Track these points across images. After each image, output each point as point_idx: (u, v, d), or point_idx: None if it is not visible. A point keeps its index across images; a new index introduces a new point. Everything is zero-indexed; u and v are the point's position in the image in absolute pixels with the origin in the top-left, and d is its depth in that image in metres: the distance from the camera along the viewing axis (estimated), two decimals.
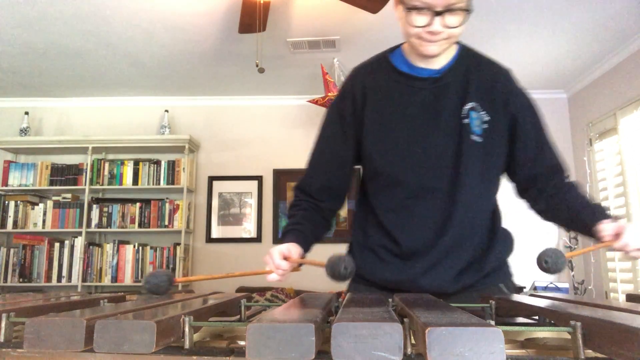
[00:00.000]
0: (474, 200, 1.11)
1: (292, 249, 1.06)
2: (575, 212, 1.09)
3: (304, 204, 1.21)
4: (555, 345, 0.71)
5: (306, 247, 1.12)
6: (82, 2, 2.89)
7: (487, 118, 1.11)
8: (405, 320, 0.59)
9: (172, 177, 4.18)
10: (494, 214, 1.19)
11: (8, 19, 3.07)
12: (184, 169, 4.17)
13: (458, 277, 1.11)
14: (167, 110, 4.42)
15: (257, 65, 3.02)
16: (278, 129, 4.40)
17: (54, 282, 4.02)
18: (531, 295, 1.00)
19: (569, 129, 4.35)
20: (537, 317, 0.82)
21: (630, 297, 1.08)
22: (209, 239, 4.32)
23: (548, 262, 0.92)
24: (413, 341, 0.58)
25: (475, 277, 1.13)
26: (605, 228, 0.99)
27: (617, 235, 0.98)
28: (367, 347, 0.49)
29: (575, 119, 4.28)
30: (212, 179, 4.41)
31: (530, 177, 1.16)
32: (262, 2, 2.68)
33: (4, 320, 0.65)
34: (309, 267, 1.10)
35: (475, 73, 1.13)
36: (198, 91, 4.41)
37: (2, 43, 3.40)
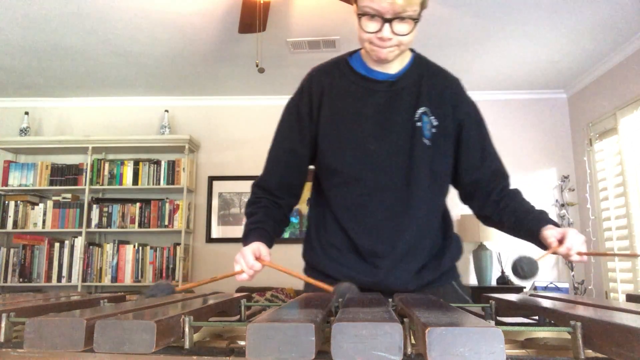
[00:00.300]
0: (425, 201, 1.15)
1: (261, 249, 1.08)
2: (520, 218, 1.14)
3: (264, 201, 1.23)
4: (555, 345, 0.71)
5: (270, 245, 1.15)
6: (83, 2, 2.89)
7: (435, 123, 1.16)
8: (405, 320, 0.59)
9: (172, 177, 4.18)
10: (445, 218, 1.25)
11: (8, 19, 3.07)
12: (184, 169, 4.17)
13: (418, 275, 1.16)
14: (167, 110, 4.42)
15: (257, 65, 3.02)
16: None
17: (54, 282, 4.02)
18: (531, 295, 1.00)
19: (569, 129, 4.35)
20: (537, 317, 0.82)
21: (630, 297, 1.08)
22: (209, 239, 4.32)
23: (524, 269, 0.96)
24: (413, 341, 0.58)
25: (433, 275, 1.18)
26: (550, 234, 1.04)
27: (561, 241, 1.02)
28: (367, 347, 0.49)
29: (575, 119, 4.28)
30: (212, 179, 4.42)
31: (474, 182, 1.22)
32: (262, 2, 2.68)
33: (4, 320, 0.65)
34: None
35: (427, 80, 1.19)
36: (198, 91, 4.41)
37: (2, 43, 3.40)
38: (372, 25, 1.06)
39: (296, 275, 1.03)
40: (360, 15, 1.06)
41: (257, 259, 1.06)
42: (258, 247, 1.08)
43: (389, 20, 1.04)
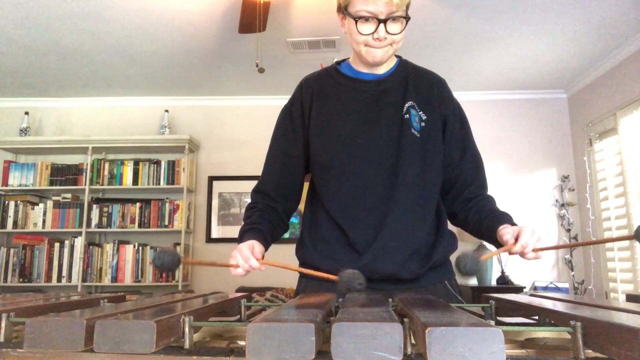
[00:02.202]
0: (413, 191, 1.18)
1: (255, 246, 1.08)
2: (482, 217, 1.17)
3: (260, 205, 1.26)
4: (555, 345, 0.71)
5: (265, 245, 1.16)
6: (82, 2, 2.89)
7: (424, 117, 1.21)
8: (405, 320, 0.59)
9: (172, 177, 4.18)
10: (438, 213, 1.26)
11: (8, 19, 3.07)
12: (184, 169, 4.17)
13: (407, 263, 1.16)
14: (167, 110, 4.42)
15: (257, 65, 3.02)
16: None
17: (54, 282, 4.02)
18: (531, 295, 1.00)
19: (569, 129, 4.35)
20: (537, 317, 0.82)
21: (630, 297, 1.07)
22: (209, 239, 4.32)
23: (467, 265, 0.93)
24: (413, 341, 0.58)
25: (423, 266, 1.18)
26: (506, 232, 1.05)
27: (517, 239, 1.02)
28: (367, 347, 0.49)
29: (575, 119, 4.28)
30: (212, 179, 4.41)
31: (451, 179, 1.25)
32: (262, 2, 2.68)
33: (4, 320, 0.65)
34: None
35: (414, 79, 1.25)
36: (198, 91, 4.41)
37: (2, 43, 3.40)
38: (367, 28, 1.13)
39: (294, 269, 1.02)
40: (357, 19, 1.13)
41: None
42: (252, 244, 1.08)
43: (384, 21, 1.11)
